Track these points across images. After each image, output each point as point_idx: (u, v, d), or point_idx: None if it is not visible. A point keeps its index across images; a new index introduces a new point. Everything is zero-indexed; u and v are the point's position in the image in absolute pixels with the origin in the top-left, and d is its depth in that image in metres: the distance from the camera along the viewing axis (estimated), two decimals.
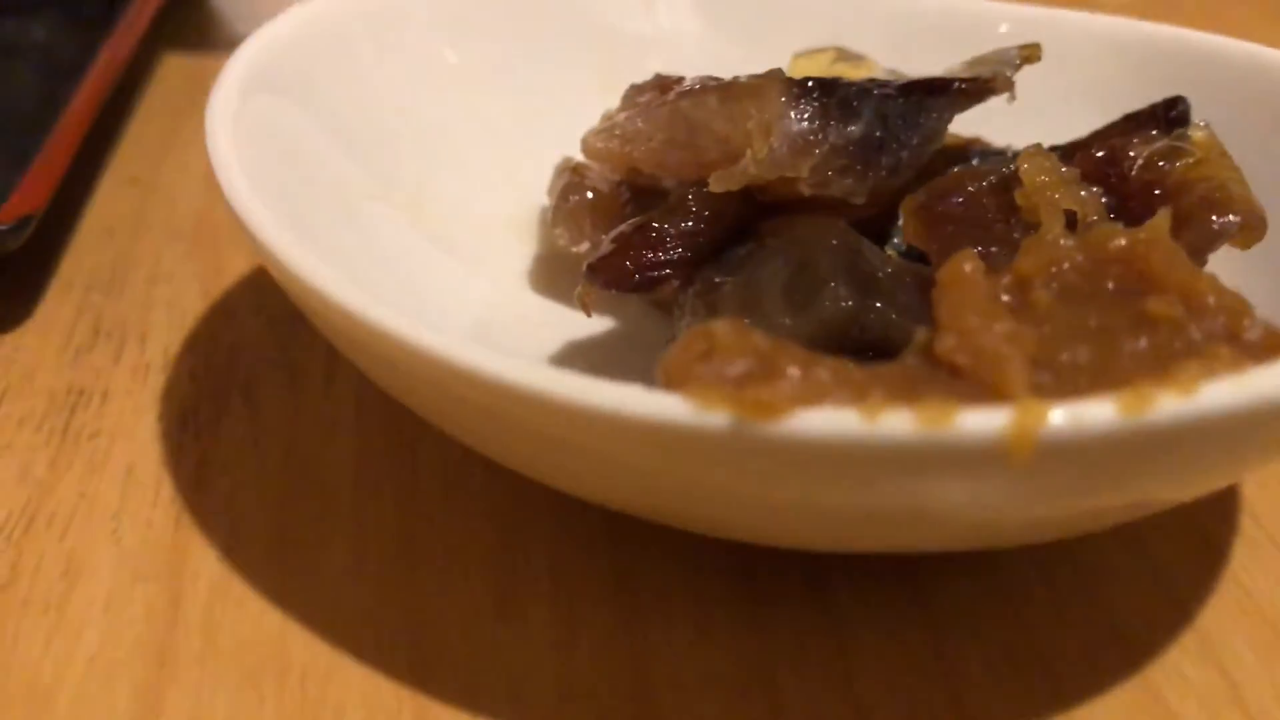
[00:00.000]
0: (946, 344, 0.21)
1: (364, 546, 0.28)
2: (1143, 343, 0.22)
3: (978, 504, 0.21)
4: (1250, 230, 0.26)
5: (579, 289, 0.28)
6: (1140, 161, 0.29)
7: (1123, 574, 0.27)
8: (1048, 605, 0.27)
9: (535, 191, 0.35)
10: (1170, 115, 0.30)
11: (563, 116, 0.34)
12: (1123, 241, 0.23)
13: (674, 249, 0.28)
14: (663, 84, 0.30)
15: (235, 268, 0.37)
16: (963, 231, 0.28)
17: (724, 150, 0.28)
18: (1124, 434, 0.19)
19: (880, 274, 0.28)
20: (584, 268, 0.28)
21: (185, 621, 0.26)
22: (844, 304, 0.26)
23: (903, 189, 0.30)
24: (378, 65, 0.34)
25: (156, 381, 0.33)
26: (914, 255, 0.30)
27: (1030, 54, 0.31)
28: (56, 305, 0.36)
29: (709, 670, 0.25)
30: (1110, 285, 0.23)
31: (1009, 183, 0.28)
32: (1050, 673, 0.25)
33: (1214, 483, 0.24)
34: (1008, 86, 0.30)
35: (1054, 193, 0.27)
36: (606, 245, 0.28)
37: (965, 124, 0.32)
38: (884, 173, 0.29)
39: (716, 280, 0.28)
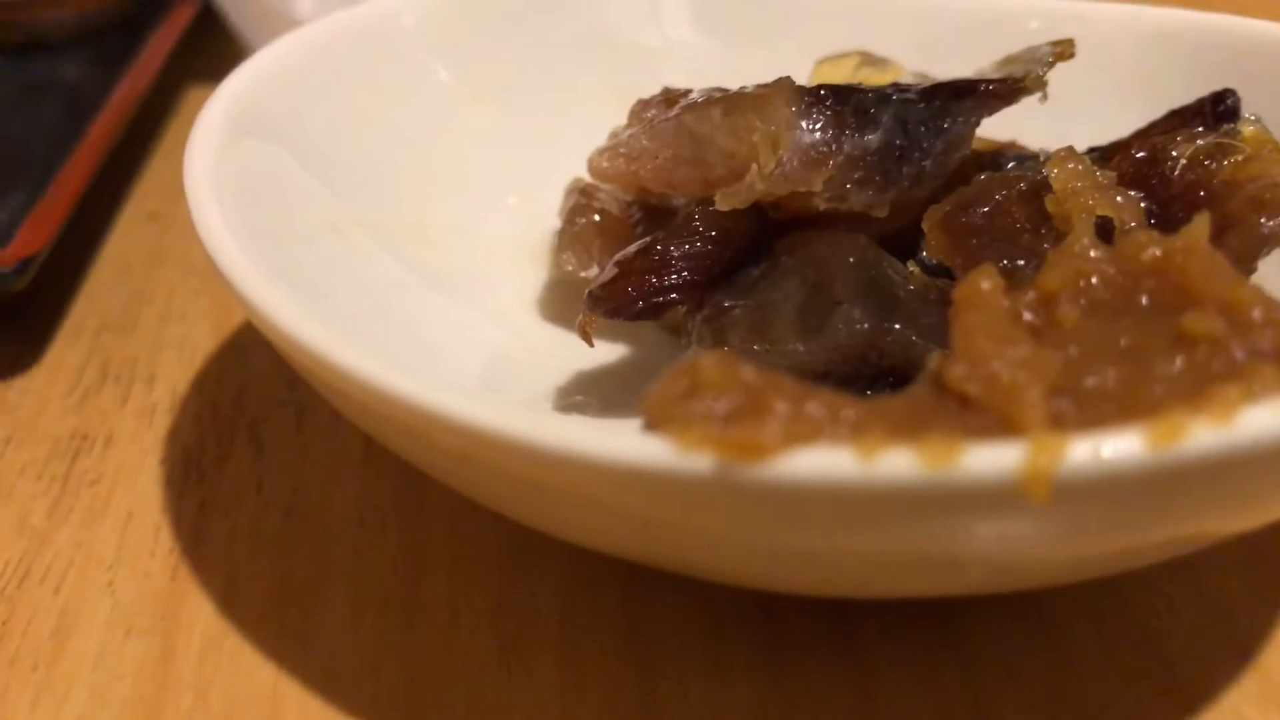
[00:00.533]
0: (956, 372, 0.19)
1: (364, 595, 0.26)
2: (1178, 364, 0.20)
3: (993, 548, 0.19)
4: None
5: (580, 317, 0.27)
6: (1184, 161, 0.27)
7: (1176, 608, 0.25)
8: (1093, 644, 0.25)
9: (547, 214, 0.33)
10: (1218, 110, 0.28)
11: (575, 133, 0.32)
12: (1157, 251, 0.21)
13: (680, 272, 0.27)
14: (669, 98, 0.29)
15: None
16: (989, 244, 0.26)
17: (730, 166, 0.26)
18: (1151, 469, 0.17)
19: (901, 293, 0.26)
20: (585, 295, 0.27)
21: (176, 678, 0.25)
22: (858, 326, 0.25)
23: (930, 199, 0.28)
24: (372, 91, 0.33)
25: (162, 424, 0.32)
26: (942, 271, 0.28)
27: (1063, 51, 0.29)
28: (67, 346, 0.35)
29: None
30: (1144, 300, 0.21)
31: (1039, 189, 0.26)
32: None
33: (1264, 516, 0.21)
34: (1039, 86, 0.28)
35: (1088, 198, 0.25)
36: (609, 270, 0.27)
37: (1000, 127, 0.30)
38: (906, 183, 0.27)
39: (726, 304, 0.26)
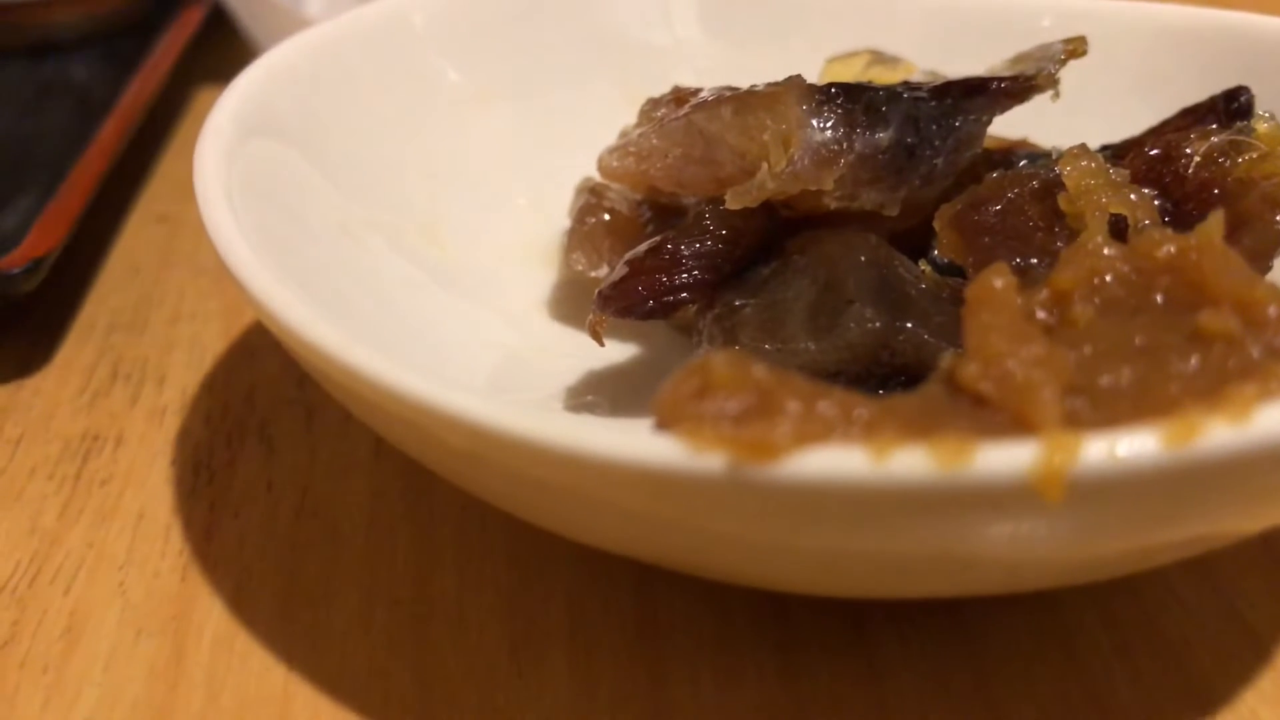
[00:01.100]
0: (969, 371, 0.19)
1: (374, 594, 0.26)
2: (1193, 362, 0.19)
3: (1006, 548, 0.19)
4: None
5: (590, 317, 0.27)
6: (1198, 159, 0.26)
7: (1191, 608, 0.25)
8: (1107, 645, 0.25)
9: (557, 214, 0.33)
10: (1232, 107, 0.28)
11: (585, 133, 0.32)
12: (1172, 249, 0.21)
13: (690, 271, 0.26)
14: (679, 96, 0.28)
15: None
16: (1002, 242, 0.26)
17: (740, 165, 0.26)
18: (1167, 468, 0.17)
19: (913, 291, 0.26)
20: (596, 294, 0.27)
21: (187, 679, 0.25)
22: (870, 325, 0.25)
23: (942, 198, 0.28)
24: (382, 91, 0.33)
25: (172, 424, 0.32)
26: (954, 270, 0.28)
27: (1075, 48, 0.29)
28: (77, 347, 0.35)
29: None
30: (1158, 298, 0.21)
31: (1052, 187, 0.26)
32: None
33: None
34: (1051, 84, 0.28)
35: (1101, 196, 0.25)
36: (619, 269, 0.27)
37: (1013, 125, 0.30)
38: (918, 182, 0.27)
39: (736, 303, 0.26)
